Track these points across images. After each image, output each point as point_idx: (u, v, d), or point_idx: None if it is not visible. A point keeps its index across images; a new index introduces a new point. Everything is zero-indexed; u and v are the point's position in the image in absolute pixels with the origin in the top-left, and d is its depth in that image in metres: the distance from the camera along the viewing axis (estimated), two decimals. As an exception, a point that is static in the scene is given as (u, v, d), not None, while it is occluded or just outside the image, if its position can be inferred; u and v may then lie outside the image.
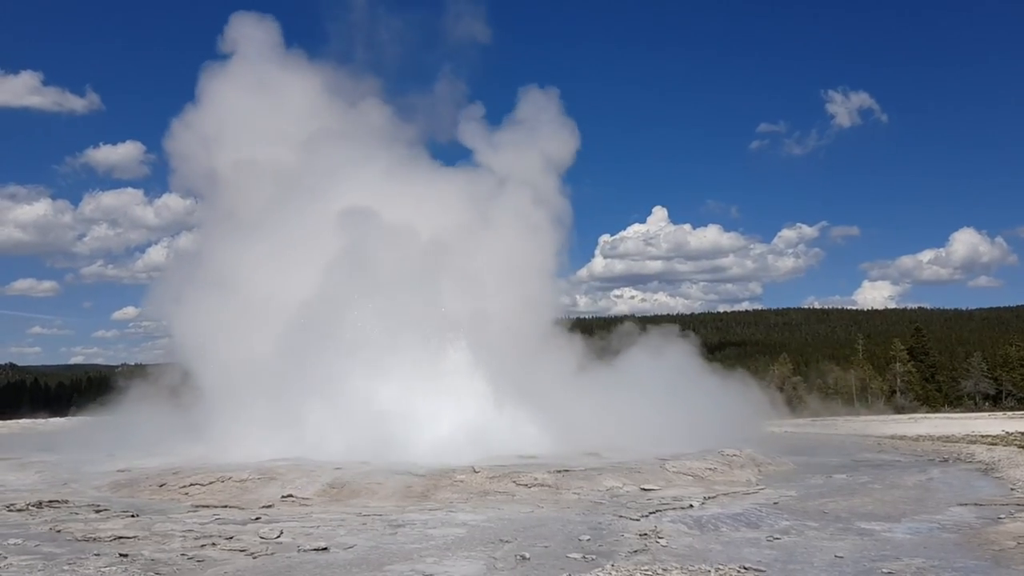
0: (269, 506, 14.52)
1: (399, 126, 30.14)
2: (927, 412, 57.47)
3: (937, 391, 67.68)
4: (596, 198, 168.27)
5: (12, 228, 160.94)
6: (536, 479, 15.99)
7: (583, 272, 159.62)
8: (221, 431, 22.47)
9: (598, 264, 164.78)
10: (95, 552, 10.35)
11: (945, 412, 57.98)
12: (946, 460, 21.67)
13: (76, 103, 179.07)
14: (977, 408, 61.84)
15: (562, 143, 30.93)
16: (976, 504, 14.06)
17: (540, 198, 29.61)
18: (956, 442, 27.23)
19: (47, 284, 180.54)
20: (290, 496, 15.32)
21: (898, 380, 65.47)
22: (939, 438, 29.34)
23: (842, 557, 9.95)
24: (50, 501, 14.94)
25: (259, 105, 28.71)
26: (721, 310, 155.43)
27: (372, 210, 22.99)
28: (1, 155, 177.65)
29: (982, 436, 29.57)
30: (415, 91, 33.68)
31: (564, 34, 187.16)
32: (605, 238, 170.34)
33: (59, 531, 12.01)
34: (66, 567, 9.54)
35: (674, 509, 13.71)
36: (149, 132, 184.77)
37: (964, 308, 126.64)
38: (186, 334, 26.33)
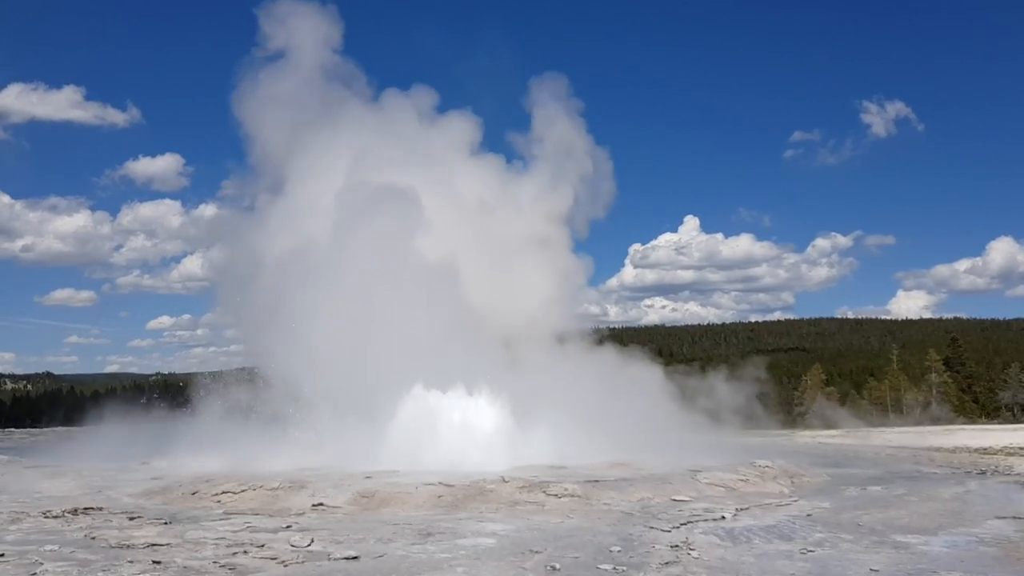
0: (300, 514, 14.59)
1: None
2: (963, 423, 56.53)
3: (974, 402, 66.51)
4: (627, 207, 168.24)
5: (52, 239, 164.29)
6: (566, 490, 15.92)
7: (613, 281, 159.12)
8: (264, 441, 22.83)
9: (628, 273, 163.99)
10: (129, 559, 10.46)
11: (982, 423, 57.01)
12: (984, 472, 21.30)
13: (117, 117, 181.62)
14: (1015, 419, 60.69)
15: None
16: (1015, 517, 13.80)
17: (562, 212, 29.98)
18: (994, 454, 26.80)
19: (85, 294, 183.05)
20: (320, 504, 15.40)
21: (934, 391, 64.43)
22: (976, 450, 28.89)
23: (877, 571, 9.79)
24: (85, 508, 15.14)
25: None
26: (753, 320, 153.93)
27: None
28: (43, 167, 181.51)
29: (1020, 448, 29.06)
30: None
31: (595, 39, 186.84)
32: (636, 247, 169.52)
33: (94, 538, 12.15)
34: (100, 573, 9.66)
35: (705, 521, 13.58)
36: (189, 144, 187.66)
37: (1001, 318, 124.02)
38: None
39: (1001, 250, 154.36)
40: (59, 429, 58.94)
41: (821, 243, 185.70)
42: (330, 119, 28.80)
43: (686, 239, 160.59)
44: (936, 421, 58.58)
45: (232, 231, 30.97)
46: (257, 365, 27.54)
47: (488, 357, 22.82)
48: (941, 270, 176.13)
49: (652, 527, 12.90)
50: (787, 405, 66.24)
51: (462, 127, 31.11)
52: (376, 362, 21.56)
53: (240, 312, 28.94)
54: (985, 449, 29.11)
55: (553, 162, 31.92)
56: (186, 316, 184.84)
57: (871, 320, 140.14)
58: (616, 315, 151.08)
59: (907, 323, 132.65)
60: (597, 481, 16.85)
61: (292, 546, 11.37)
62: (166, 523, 13.50)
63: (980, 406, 66.21)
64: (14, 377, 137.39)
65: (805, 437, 41.83)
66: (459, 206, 27.14)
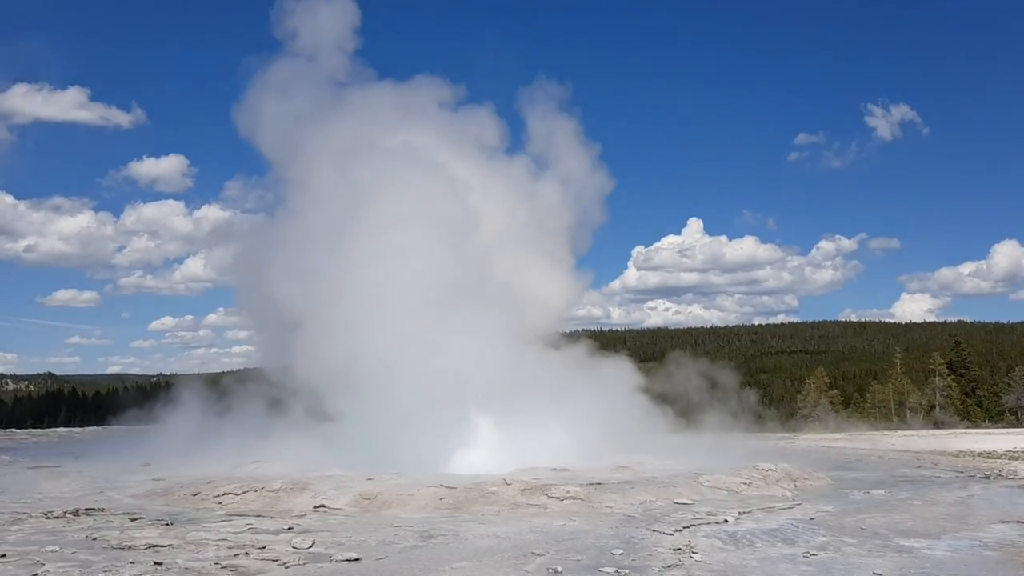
0: (301, 516, 14.58)
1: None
2: (967, 427, 56.47)
3: (978, 406, 66.38)
4: (630, 209, 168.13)
5: (55, 240, 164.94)
6: (568, 492, 15.90)
7: (616, 284, 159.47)
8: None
9: (631, 276, 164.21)
10: (130, 560, 10.45)
11: (986, 427, 56.91)
12: (987, 476, 21.23)
13: (121, 118, 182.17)
14: (1019, 423, 60.57)
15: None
16: (1019, 521, 13.74)
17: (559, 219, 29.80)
18: (998, 458, 26.73)
19: (88, 295, 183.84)
20: (322, 506, 15.39)
21: (937, 395, 64.33)
22: (980, 454, 28.82)
23: (880, 574, 9.75)
24: (87, 509, 15.14)
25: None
26: (756, 323, 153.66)
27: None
28: (47, 168, 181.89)
29: (1024, 452, 29.00)
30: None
31: (598, 41, 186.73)
32: (639, 249, 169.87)
33: (95, 539, 12.14)
34: (101, 574, 9.65)
35: (708, 524, 13.54)
36: (192, 145, 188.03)
37: (1006, 321, 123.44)
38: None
39: (1005, 253, 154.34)
40: (61, 430, 58.96)
41: (825, 246, 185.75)
42: (343, 117, 28.40)
43: (690, 241, 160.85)
44: (940, 425, 58.53)
45: (246, 234, 30.77)
46: (264, 366, 27.44)
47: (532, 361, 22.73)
48: (945, 273, 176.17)
49: (654, 530, 12.87)
50: (790, 408, 66.20)
51: (479, 122, 30.53)
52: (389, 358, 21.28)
53: (256, 315, 28.71)
54: (989, 453, 29.03)
55: (550, 175, 31.59)
56: (188, 317, 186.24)
57: (875, 323, 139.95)
58: (619, 317, 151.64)
59: (911, 326, 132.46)
60: (599, 484, 16.82)
61: (293, 548, 11.35)
62: (167, 524, 13.48)
63: (984, 410, 66.09)
64: (16, 378, 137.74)
65: (808, 440, 41.75)
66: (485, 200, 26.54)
